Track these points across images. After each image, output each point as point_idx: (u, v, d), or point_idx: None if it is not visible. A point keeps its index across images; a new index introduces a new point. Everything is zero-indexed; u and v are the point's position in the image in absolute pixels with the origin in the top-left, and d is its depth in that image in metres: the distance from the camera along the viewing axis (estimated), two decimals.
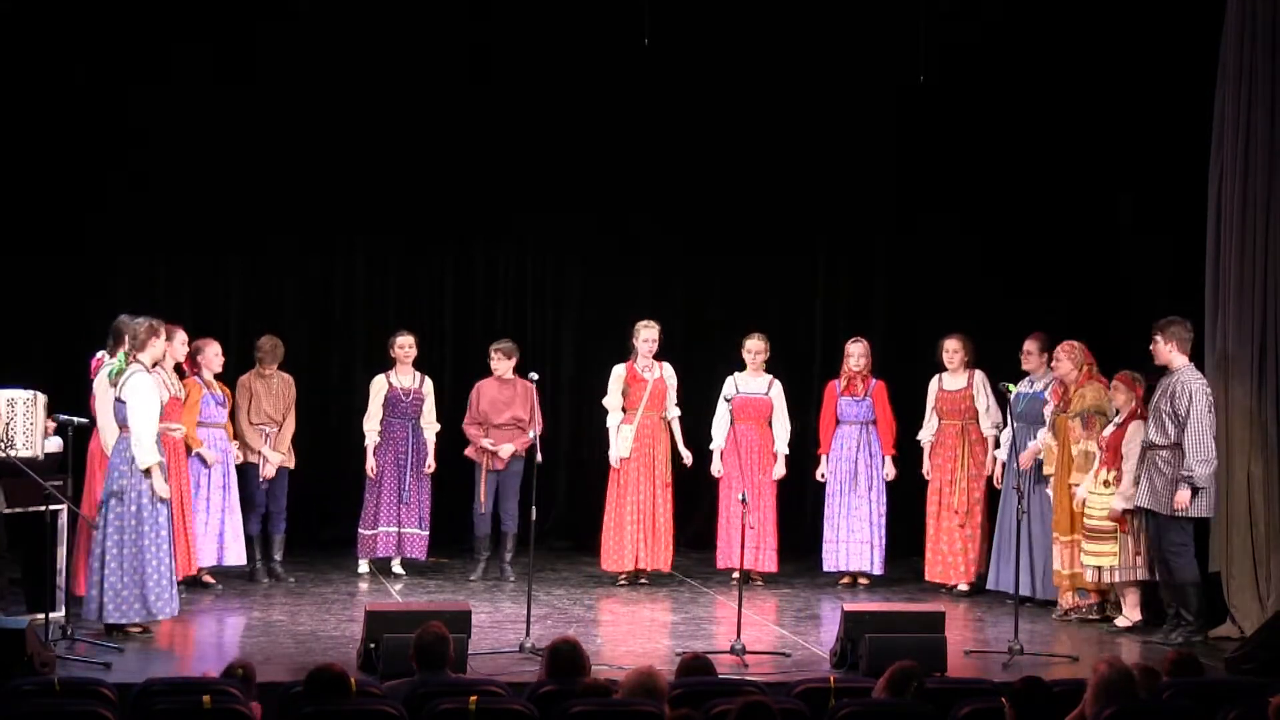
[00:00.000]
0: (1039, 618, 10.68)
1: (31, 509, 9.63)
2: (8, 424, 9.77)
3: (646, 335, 11.75)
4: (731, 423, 11.81)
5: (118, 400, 9.50)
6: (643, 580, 11.77)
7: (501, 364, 11.87)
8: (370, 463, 11.75)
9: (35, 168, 12.22)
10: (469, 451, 11.91)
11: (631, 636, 10.15)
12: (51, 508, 9.57)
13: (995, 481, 11.58)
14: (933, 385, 11.81)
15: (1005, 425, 11.45)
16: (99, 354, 10.40)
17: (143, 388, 9.46)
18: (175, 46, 12.28)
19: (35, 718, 6.54)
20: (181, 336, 10.71)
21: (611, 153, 13.11)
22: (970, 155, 13.00)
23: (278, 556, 11.64)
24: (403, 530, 11.80)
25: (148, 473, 9.46)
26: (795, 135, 13.11)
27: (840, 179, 13.30)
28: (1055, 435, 10.91)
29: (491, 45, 12.84)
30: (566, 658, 6.98)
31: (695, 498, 12.74)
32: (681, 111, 12.95)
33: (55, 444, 10.06)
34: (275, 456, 11.53)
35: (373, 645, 8.62)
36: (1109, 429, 10.47)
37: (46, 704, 6.64)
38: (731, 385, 11.84)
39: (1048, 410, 11.03)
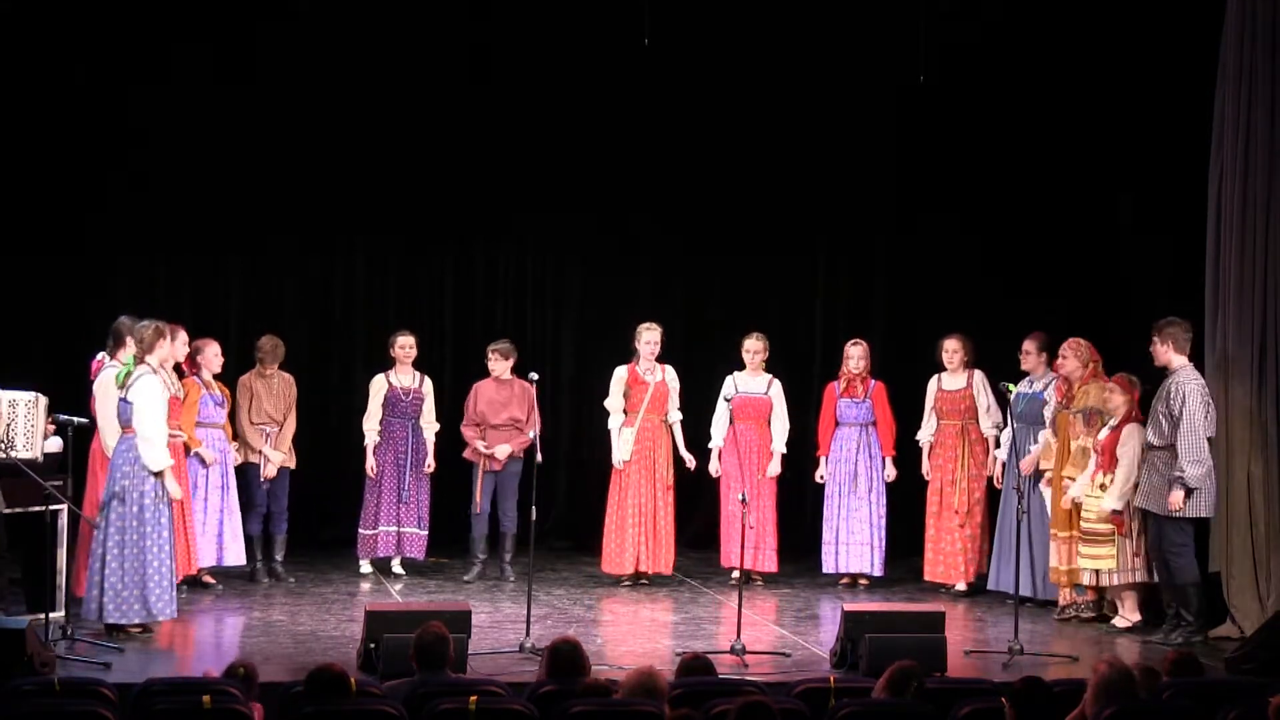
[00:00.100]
0: (1039, 618, 10.68)
1: (31, 509, 9.63)
2: (8, 425, 9.77)
3: (649, 337, 11.74)
4: (731, 422, 11.81)
5: (123, 400, 9.51)
6: (644, 581, 11.77)
7: (499, 364, 11.86)
8: (370, 462, 11.75)
9: (35, 168, 12.22)
10: (467, 454, 11.90)
11: (631, 636, 10.14)
12: (51, 508, 9.57)
13: (995, 481, 11.58)
14: (931, 385, 11.81)
15: (1005, 425, 11.45)
16: (99, 355, 10.40)
17: (152, 390, 9.49)
18: (175, 46, 12.28)
19: (35, 718, 6.55)
20: (183, 337, 10.70)
21: (611, 153, 13.11)
22: (970, 155, 13.00)
23: (279, 557, 11.64)
24: (402, 530, 11.79)
25: (160, 475, 9.48)
26: (795, 135, 13.11)
27: (840, 179, 13.30)
28: (1056, 433, 10.91)
29: (491, 45, 12.83)
30: (566, 658, 6.98)
31: (695, 498, 12.74)
32: (681, 111, 12.95)
33: (55, 444, 10.06)
34: (277, 456, 11.53)
35: (373, 645, 8.62)
36: (1104, 432, 10.47)
37: (46, 704, 6.64)
38: (731, 385, 11.83)
39: (1047, 410, 11.04)
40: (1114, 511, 10.31)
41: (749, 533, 11.19)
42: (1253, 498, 10.36)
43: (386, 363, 11.93)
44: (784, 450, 11.89)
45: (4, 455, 9.59)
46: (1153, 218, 11.83)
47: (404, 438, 11.78)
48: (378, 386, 11.82)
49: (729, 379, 11.90)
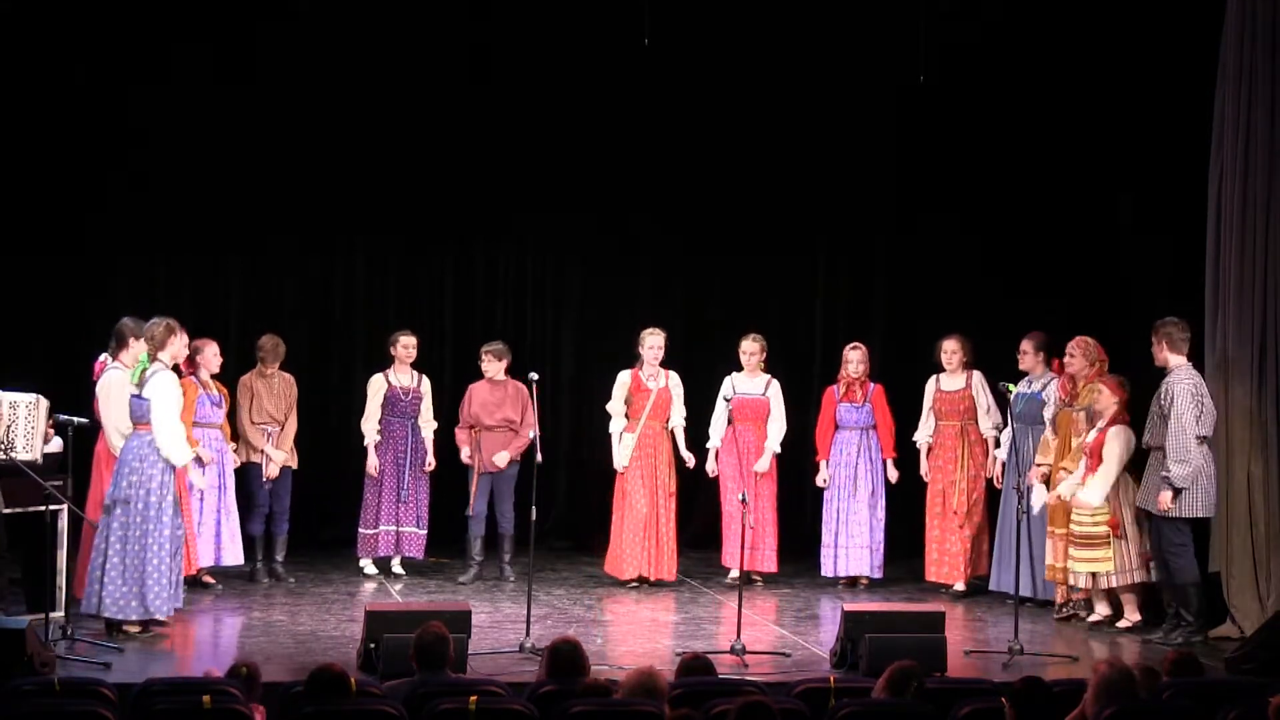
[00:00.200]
0: (1039, 618, 10.68)
1: (31, 509, 9.64)
2: (8, 426, 9.77)
3: (652, 342, 11.72)
4: (730, 422, 11.81)
5: (138, 398, 9.51)
6: (647, 583, 11.74)
7: (492, 366, 11.84)
8: (372, 461, 11.73)
9: (35, 168, 12.23)
10: (465, 456, 11.88)
11: (631, 636, 10.14)
12: (51, 508, 9.57)
13: (995, 482, 11.58)
14: (930, 386, 11.81)
15: (1005, 425, 11.45)
16: (101, 356, 10.39)
17: (169, 386, 9.52)
18: (175, 46, 12.28)
19: (35, 718, 6.55)
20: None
21: (611, 153, 13.11)
22: (970, 155, 13.00)
23: (279, 557, 11.64)
24: (401, 529, 11.79)
25: (184, 468, 9.61)
26: (795, 135, 13.12)
27: (840, 179, 13.30)
28: (1056, 431, 10.91)
29: (491, 45, 12.84)
30: (566, 658, 6.98)
31: (694, 498, 12.74)
32: (681, 111, 12.95)
33: (55, 444, 10.06)
34: (279, 455, 11.52)
35: (373, 645, 8.62)
36: (1092, 434, 10.47)
37: (46, 704, 6.64)
38: (729, 386, 11.83)
39: (1047, 411, 11.03)
40: (1096, 509, 10.30)
41: (749, 533, 11.18)
42: (1253, 498, 10.36)
43: (386, 363, 11.93)
44: (777, 449, 11.88)
45: (4, 456, 9.59)
46: (1153, 218, 11.83)
47: (404, 437, 11.77)
48: (376, 386, 11.82)
49: (727, 380, 11.89)
